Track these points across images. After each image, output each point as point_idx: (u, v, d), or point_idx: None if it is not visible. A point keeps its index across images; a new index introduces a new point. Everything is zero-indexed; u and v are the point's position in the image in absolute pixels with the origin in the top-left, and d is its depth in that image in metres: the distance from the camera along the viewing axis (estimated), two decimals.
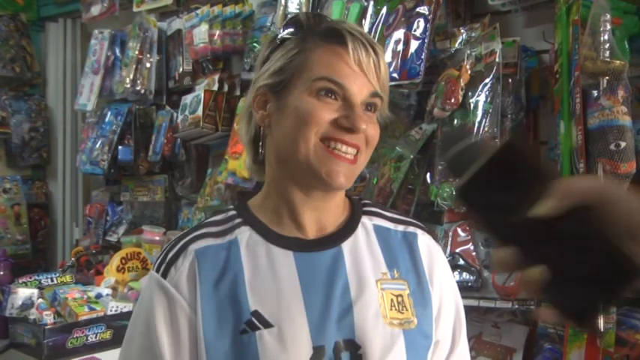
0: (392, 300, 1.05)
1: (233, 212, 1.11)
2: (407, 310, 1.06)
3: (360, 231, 1.10)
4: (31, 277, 2.43)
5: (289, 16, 2.04)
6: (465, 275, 1.79)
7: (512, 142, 0.67)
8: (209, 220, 1.11)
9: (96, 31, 3.20)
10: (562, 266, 0.62)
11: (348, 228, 1.10)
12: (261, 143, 1.10)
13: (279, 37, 1.09)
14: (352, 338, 1.01)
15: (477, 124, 1.73)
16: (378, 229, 1.12)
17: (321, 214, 1.08)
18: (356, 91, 1.02)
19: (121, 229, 3.20)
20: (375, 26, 1.98)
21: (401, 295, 1.07)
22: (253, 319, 0.99)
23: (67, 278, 2.51)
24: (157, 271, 1.05)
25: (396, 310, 1.05)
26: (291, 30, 1.08)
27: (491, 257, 0.67)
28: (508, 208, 0.64)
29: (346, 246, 1.07)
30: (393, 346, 1.02)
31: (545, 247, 0.63)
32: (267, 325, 0.99)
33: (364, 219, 1.13)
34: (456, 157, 0.71)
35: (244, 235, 1.07)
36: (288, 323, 0.99)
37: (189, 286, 1.02)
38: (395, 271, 1.08)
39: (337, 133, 1.01)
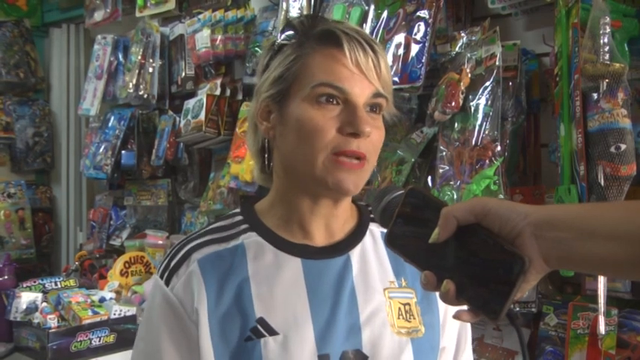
0: (399, 309, 1.05)
1: (239, 217, 1.09)
2: (414, 318, 1.06)
3: (367, 239, 1.09)
4: (35, 281, 2.43)
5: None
6: None
7: (414, 188, 0.82)
8: (214, 225, 1.09)
9: (99, 37, 3.22)
10: (460, 276, 0.74)
11: (356, 235, 1.09)
12: (266, 155, 1.08)
13: (277, 43, 1.07)
14: (359, 348, 1.00)
15: (477, 128, 1.73)
16: None
17: (330, 220, 1.07)
18: (357, 93, 0.99)
19: (125, 234, 3.22)
20: (375, 30, 1.99)
21: (408, 304, 1.06)
22: (259, 326, 0.99)
23: (71, 282, 2.52)
24: (161, 277, 1.05)
25: (403, 318, 1.04)
26: (288, 34, 1.06)
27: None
28: (420, 240, 0.78)
29: (354, 254, 1.07)
30: (400, 355, 1.02)
31: (445, 264, 0.76)
32: (273, 332, 0.98)
33: (372, 226, 1.11)
34: (382, 211, 0.88)
35: (251, 240, 1.05)
36: (294, 331, 0.98)
37: (190, 295, 1.01)
38: (402, 280, 1.08)
39: (346, 143, 0.98)
